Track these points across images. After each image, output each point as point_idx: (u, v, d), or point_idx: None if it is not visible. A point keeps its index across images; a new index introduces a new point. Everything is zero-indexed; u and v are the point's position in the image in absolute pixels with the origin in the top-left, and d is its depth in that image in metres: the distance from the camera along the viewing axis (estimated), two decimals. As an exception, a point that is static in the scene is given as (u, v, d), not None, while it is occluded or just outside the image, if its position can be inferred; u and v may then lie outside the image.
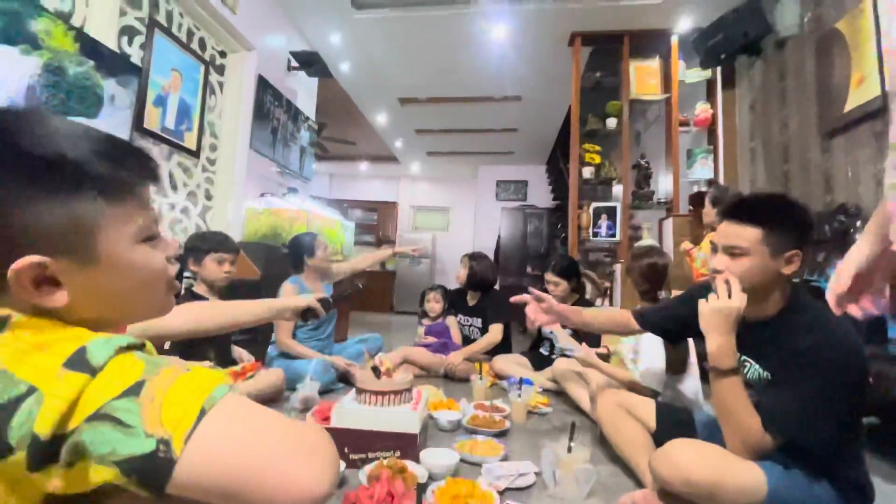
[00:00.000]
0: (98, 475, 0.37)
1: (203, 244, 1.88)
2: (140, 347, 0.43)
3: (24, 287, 0.42)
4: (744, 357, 1.07)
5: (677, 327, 1.29)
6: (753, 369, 1.05)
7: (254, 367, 1.94)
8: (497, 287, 2.94)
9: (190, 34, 2.88)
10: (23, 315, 0.42)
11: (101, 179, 0.45)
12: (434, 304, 2.84)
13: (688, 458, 0.97)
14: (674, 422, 1.29)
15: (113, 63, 2.10)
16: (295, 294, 2.24)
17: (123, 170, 0.47)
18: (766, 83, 3.13)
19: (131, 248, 0.48)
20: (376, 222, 8.66)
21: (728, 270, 1.01)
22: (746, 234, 0.99)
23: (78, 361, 0.38)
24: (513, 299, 1.48)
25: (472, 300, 2.85)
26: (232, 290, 2.78)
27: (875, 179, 2.21)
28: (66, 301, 0.44)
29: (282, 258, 3.18)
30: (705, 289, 1.10)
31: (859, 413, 0.99)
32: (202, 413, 0.39)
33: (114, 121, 2.13)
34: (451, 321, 2.83)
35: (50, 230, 0.42)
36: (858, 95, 2.29)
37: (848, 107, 2.36)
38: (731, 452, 0.98)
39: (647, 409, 1.36)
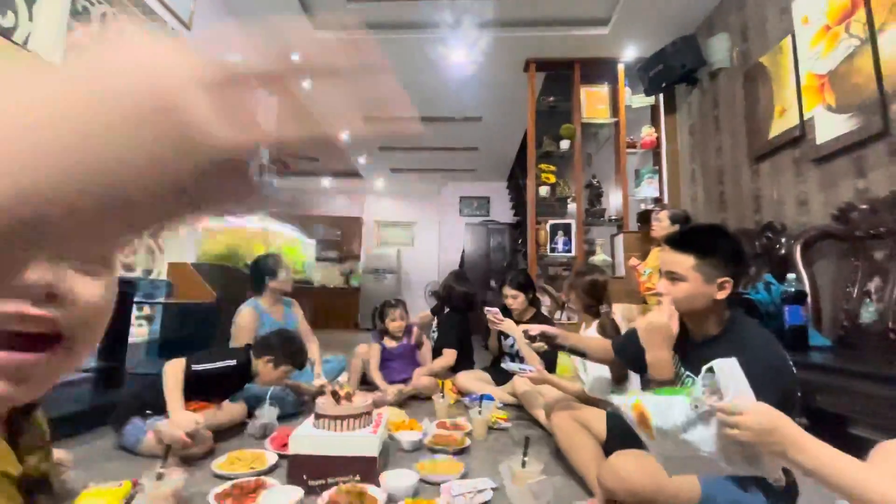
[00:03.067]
0: None
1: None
2: None
3: None
4: (687, 373, 1.16)
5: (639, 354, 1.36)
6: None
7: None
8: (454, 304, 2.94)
9: (143, 51, 2.81)
10: None
11: None
12: (400, 322, 2.65)
13: (630, 469, 1.04)
14: (622, 432, 1.37)
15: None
16: (254, 319, 2.22)
17: None
18: (702, 110, 3.40)
19: None
20: (340, 238, 8.57)
21: (668, 293, 1.11)
22: (681, 261, 1.10)
23: None
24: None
25: None
26: (187, 314, 2.70)
27: (796, 200, 2.44)
28: None
29: (239, 280, 3.11)
30: None
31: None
32: None
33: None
34: (423, 339, 2.77)
35: None
36: (781, 124, 2.54)
37: (772, 134, 2.61)
38: None
39: (599, 421, 1.44)
